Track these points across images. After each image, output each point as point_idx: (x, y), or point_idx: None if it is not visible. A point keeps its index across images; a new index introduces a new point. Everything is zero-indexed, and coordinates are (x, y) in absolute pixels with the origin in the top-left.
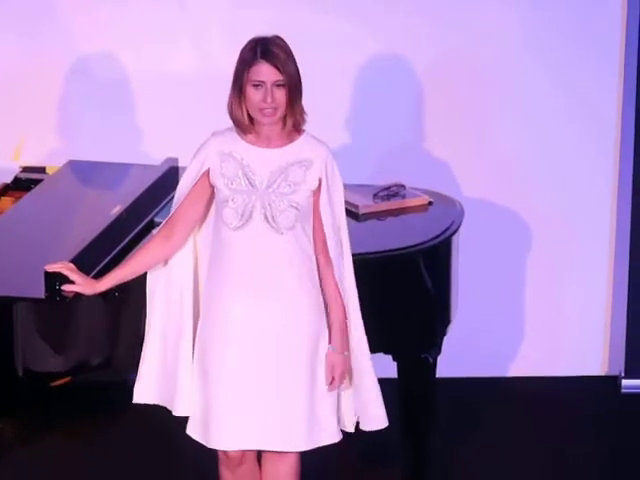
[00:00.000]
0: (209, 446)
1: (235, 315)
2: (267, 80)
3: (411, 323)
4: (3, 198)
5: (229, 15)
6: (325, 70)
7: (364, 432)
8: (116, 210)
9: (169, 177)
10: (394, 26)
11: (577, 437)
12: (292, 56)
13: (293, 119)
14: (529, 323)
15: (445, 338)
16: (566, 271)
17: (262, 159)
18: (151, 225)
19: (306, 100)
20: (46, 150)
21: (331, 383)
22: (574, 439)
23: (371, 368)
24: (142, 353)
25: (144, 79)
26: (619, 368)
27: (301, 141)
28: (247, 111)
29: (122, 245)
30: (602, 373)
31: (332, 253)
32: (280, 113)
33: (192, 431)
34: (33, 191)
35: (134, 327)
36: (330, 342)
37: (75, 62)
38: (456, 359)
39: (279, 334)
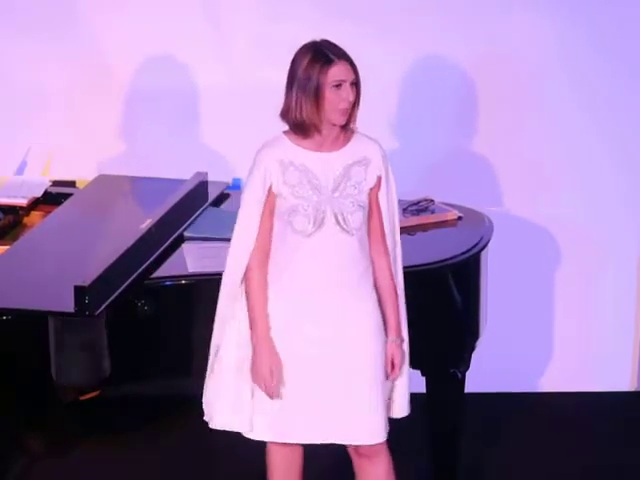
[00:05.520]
0: (283, 440)
1: (310, 316)
2: (347, 79)
3: (440, 338)
4: (33, 212)
5: (258, 29)
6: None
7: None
8: (146, 224)
9: (199, 191)
10: (426, 42)
11: (607, 453)
12: None
13: (355, 119)
14: (558, 338)
15: (474, 353)
16: (595, 286)
17: (322, 163)
18: (180, 239)
19: None
20: (76, 164)
21: (392, 372)
22: (604, 455)
23: (407, 360)
24: (215, 383)
25: (173, 93)
26: None
27: (355, 141)
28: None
29: (152, 259)
30: (632, 389)
31: (390, 247)
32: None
33: (263, 434)
34: (63, 205)
35: (168, 343)
36: (387, 333)
37: (102, 76)
38: (485, 374)
39: (353, 330)
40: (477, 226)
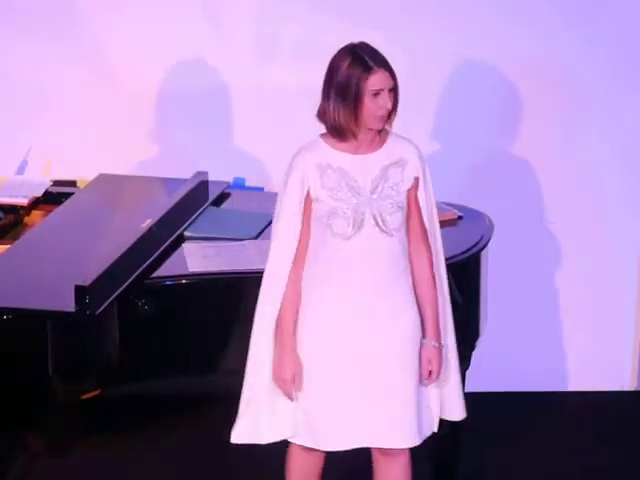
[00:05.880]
0: (319, 448)
1: (348, 318)
2: (385, 87)
3: None
4: (34, 212)
5: (258, 29)
6: None
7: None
8: (146, 224)
9: (199, 191)
10: (427, 42)
11: (607, 453)
12: None
13: (391, 122)
14: (558, 338)
15: (474, 353)
16: (595, 286)
17: (359, 166)
18: (181, 239)
19: None
20: (76, 163)
21: (429, 377)
22: (604, 455)
23: (457, 360)
24: (252, 395)
25: (172, 92)
26: None
27: (391, 142)
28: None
29: (152, 259)
30: (632, 389)
31: (432, 245)
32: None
33: (306, 440)
34: (63, 205)
35: (169, 343)
36: (424, 335)
37: (102, 76)
38: (485, 374)
39: (390, 330)
40: (477, 225)
